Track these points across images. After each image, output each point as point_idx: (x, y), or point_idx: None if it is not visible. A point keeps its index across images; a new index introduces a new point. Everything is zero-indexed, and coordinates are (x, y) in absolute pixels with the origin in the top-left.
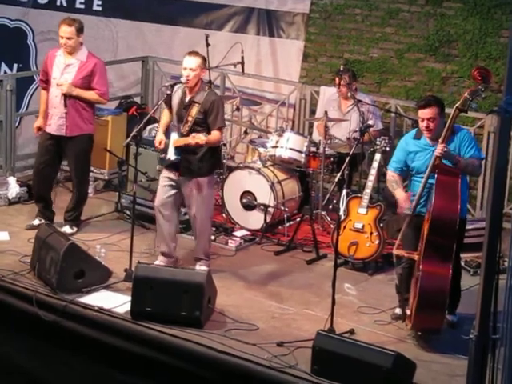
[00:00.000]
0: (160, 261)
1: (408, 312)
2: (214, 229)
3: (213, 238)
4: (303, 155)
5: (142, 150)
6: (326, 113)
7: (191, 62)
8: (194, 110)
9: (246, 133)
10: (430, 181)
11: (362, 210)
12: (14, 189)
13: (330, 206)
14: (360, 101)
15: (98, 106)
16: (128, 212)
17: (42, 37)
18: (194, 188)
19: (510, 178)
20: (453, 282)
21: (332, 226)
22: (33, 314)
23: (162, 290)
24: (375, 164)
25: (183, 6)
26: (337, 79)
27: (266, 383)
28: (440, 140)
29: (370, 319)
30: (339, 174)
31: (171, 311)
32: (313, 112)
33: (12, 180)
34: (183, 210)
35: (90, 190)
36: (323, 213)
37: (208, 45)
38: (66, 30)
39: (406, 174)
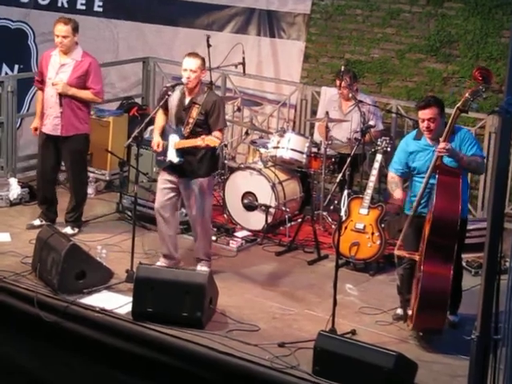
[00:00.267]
0: (162, 262)
1: (409, 312)
2: (215, 229)
3: (214, 238)
4: (304, 156)
5: (143, 151)
6: (327, 113)
7: (191, 64)
8: (195, 112)
9: (247, 133)
10: (431, 181)
11: (364, 211)
12: (15, 190)
13: (332, 207)
14: (361, 101)
15: (99, 106)
16: (129, 213)
17: (43, 38)
18: (194, 189)
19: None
20: (454, 282)
21: (333, 226)
22: (34, 314)
23: (164, 291)
24: (376, 165)
25: (184, 7)
26: (337, 81)
27: None
28: (441, 139)
29: (372, 320)
30: (340, 175)
31: (172, 312)
32: (314, 112)
33: (13, 181)
34: (183, 210)
35: (92, 190)
36: (324, 213)
37: (209, 45)
38: (62, 29)
39: (408, 175)
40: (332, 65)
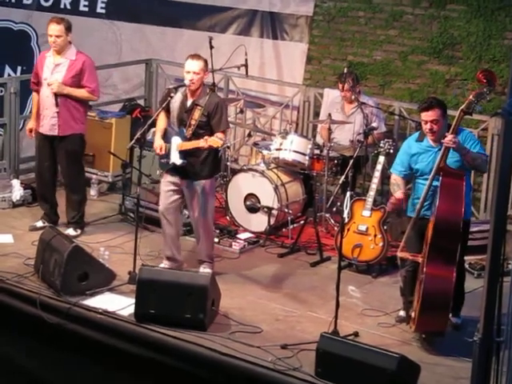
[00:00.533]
0: (165, 264)
1: (412, 314)
2: (217, 231)
3: (217, 240)
4: (307, 158)
5: (146, 153)
6: (329, 115)
7: (194, 66)
8: (197, 113)
9: (249, 135)
10: (435, 183)
11: (366, 213)
12: (17, 191)
13: (334, 209)
14: (363, 103)
15: (101, 108)
16: (132, 214)
17: (45, 39)
18: (197, 191)
19: None
20: (457, 284)
21: (336, 228)
22: (37, 316)
23: (166, 293)
24: (379, 166)
25: (187, 9)
26: (340, 83)
27: None
28: (448, 133)
29: (374, 322)
30: (343, 177)
31: (175, 314)
32: (317, 114)
33: (16, 182)
34: (186, 212)
35: (94, 192)
36: (327, 215)
37: (212, 47)
38: (55, 29)
39: (410, 176)
40: (335, 67)
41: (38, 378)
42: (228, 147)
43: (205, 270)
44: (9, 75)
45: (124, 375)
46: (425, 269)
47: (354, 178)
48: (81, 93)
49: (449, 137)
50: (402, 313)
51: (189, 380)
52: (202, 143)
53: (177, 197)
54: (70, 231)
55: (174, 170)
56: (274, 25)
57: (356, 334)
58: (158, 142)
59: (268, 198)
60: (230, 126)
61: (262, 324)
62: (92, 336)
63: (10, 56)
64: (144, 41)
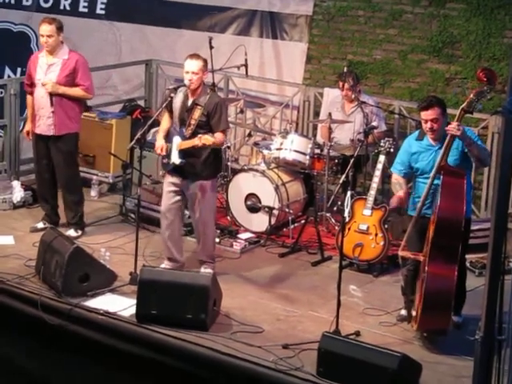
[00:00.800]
0: (166, 265)
1: (413, 313)
2: (218, 231)
3: (217, 240)
4: (307, 157)
5: (146, 153)
6: (329, 114)
7: (193, 66)
8: (197, 113)
9: (249, 135)
10: (436, 182)
11: (367, 212)
12: (18, 193)
13: (335, 208)
14: (364, 102)
15: (102, 109)
16: (132, 215)
17: None
18: (198, 191)
19: None
20: (458, 282)
21: (337, 227)
22: (38, 317)
23: (168, 293)
24: (379, 165)
25: (186, 9)
26: (340, 83)
27: None
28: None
29: (376, 321)
30: (344, 176)
31: (176, 314)
32: (317, 114)
33: (16, 184)
34: (187, 212)
35: (95, 193)
36: (328, 215)
37: (211, 47)
38: (47, 29)
39: (411, 175)
40: (334, 66)
41: (38, 379)
42: (228, 147)
43: (206, 270)
44: (9, 76)
45: (125, 376)
46: (426, 267)
47: (354, 178)
48: (75, 91)
49: (453, 124)
50: (403, 312)
51: (190, 380)
52: (196, 141)
53: (178, 197)
54: (71, 232)
55: (175, 170)
56: (273, 24)
57: (357, 334)
58: (159, 143)
59: (269, 197)
60: (231, 126)
61: (263, 324)
62: (93, 337)
63: (10, 57)
64: (144, 41)
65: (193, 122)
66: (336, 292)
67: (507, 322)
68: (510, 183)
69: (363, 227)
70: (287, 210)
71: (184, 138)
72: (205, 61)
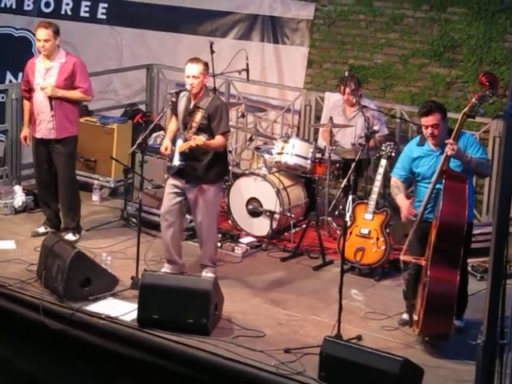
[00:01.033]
0: (166, 268)
1: (415, 317)
2: (220, 235)
3: (219, 244)
4: (309, 161)
5: (148, 158)
6: (331, 119)
7: (194, 70)
8: (198, 116)
9: (251, 139)
10: (438, 186)
11: (368, 216)
12: (19, 197)
13: (336, 212)
14: (365, 106)
15: (103, 114)
16: (134, 220)
17: None
18: (200, 195)
19: None
20: (460, 287)
21: (338, 231)
22: (39, 322)
23: (169, 298)
24: (381, 170)
25: (187, 14)
26: (342, 87)
27: None
28: (452, 136)
29: (377, 325)
30: (345, 180)
31: (178, 318)
32: (318, 118)
33: (18, 189)
34: (189, 217)
35: (96, 197)
36: (329, 219)
37: (212, 52)
38: (43, 33)
39: (410, 180)
40: (335, 70)
41: (40, 382)
42: (230, 151)
43: (207, 274)
44: (10, 81)
45: (126, 380)
46: (428, 272)
47: (355, 182)
48: (74, 94)
49: (448, 144)
50: (405, 316)
51: None
52: (191, 143)
53: (179, 199)
54: (69, 236)
55: (178, 173)
56: (274, 29)
57: (359, 338)
58: (165, 143)
59: (270, 201)
60: (232, 130)
61: (264, 328)
62: (95, 341)
63: (11, 62)
64: (145, 46)
65: (194, 124)
66: (338, 296)
67: (509, 326)
68: (511, 187)
69: (365, 231)
70: (288, 214)
71: (185, 141)
72: (205, 64)
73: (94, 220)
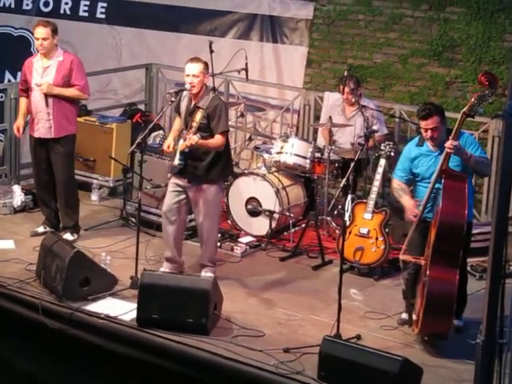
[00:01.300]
0: (165, 267)
1: (414, 317)
2: (219, 235)
3: (218, 244)
4: (308, 161)
5: (147, 157)
6: (330, 118)
7: (194, 69)
8: (198, 116)
9: (250, 139)
10: (437, 186)
11: (368, 216)
12: (18, 197)
13: (335, 212)
14: (364, 106)
15: (102, 113)
16: (133, 219)
17: None
18: (201, 195)
19: None
20: (459, 286)
21: (337, 231)
22: (39, 322)
23: (168, 297)
24: (380, 169)
25: (186, 13)
26: (341, 86)
27: None
28: (450, 138)
29: (377, 324)
30: (344, 180)
31: (177, 318)
32: (317, 118)
33: (17, 188)
34: (189, 216)
35: (95, 197)
36: (328, 218)
37: (212, 51)
38: (42, 32)
39: (411, 181)
40: (335, 70)
41: (39, 383)
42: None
43: (207, 274)
44: (9, 81)
45: (126, 380)
46: (428, 271)
47: (354, 181)
48: (71, 92)
49: (449, 142)
50: (404, 315)
51: None
52: (186, 142)
53: (180, 198)
54: (68, 236)
55: (180, 172)
56: (273, 28)
57: (358, 337)
58: (168, 141)
59: (269, 201)
60: (231, 129)
61: (264, 328)
62: (94, 341)
63: (10, 62)
64: (144, 45)
65: (194, 124)
66: (337, 296)
67: (508, 325)
68: (510, 187)
69: (364, 231)
70: (288, 213)
71: (184, 140)
72: (205, 64)
73: (93, 219)
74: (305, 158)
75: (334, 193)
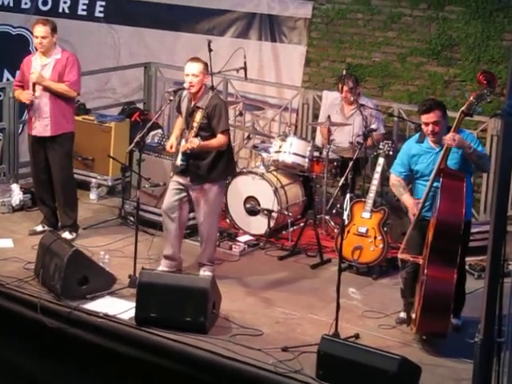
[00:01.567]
0: (163, 265)
1: (413, 316)
2: (217, 234)
3: (217, 243)
4: (306, 160)
5: (145, 156)
6: (328, 117)
7: (193, 68)
8: (199, 116)
9: (248, 138)
10: (435, 184)
11: (366, 215)
12: (17, 196)
13: (334, 211)
14: (363, 105)
15: (100, 112)
16: (132, 218)
17: None
18: (203, 195)
19: None
20: (457, 285)
21: (336, 230)
22: (37, 320)
23: (167, 296)
24: (378, 168)
25: (185, 12)
26: (340, 85)
27: None
28: (451, 131)
29: (375, 323)
30: (343, 179)
31: (176, 317)
32: (315, 117)
33: (15, 187)
34: (190, 216)
35: (94, 196)
36: (327, 217)
37: (210, 50)
38: (41, 30)
39: (410, 178)
40: (333, 69)
41: (38, 381)
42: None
43: (205, 273)
44: (7, 80)
45: (125, 379)
46: (426, 270)
47: (353, 180)
48: (60, 86)
49: (448, 136)
50: (402, 314)
51: (190, 383)
52: (187, 145)
53: (181, 196)
54: (66, 235)
55: (182, 171)
56: (272, 27)
57: (357, 336)
58: (171, 140)
59: (268, 200)
60: (230, 128)
61: (262, 327)
62: (92, 340)
63: (9, 60)
64: (142, 44)
65: (195, 125)
66: (335, 295)
67: (506, 324)
68: (509, 186)
69: (362, 230)
70: (286, 212)
71: (186, 141)
72: (205, 64)
73: (92, 218)
74: (303, 156)
75: (333, 192)
